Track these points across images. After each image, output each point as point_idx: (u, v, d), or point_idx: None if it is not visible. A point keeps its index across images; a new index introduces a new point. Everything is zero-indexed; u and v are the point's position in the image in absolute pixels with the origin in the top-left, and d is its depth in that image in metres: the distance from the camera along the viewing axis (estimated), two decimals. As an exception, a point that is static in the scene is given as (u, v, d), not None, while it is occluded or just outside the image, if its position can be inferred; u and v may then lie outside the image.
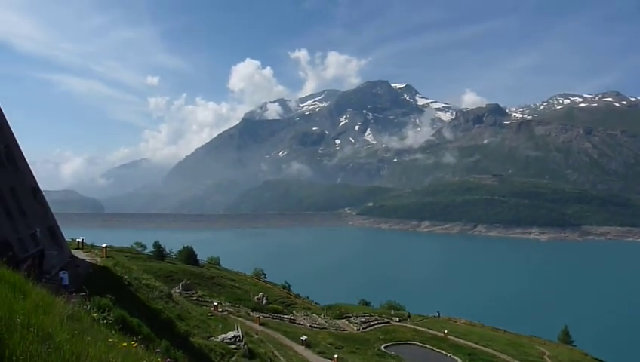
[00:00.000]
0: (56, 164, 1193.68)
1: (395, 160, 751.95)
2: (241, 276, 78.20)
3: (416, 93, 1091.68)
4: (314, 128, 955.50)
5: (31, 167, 40.44)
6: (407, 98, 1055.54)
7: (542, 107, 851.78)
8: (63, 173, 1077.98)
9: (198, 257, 76.02)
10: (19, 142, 39.20)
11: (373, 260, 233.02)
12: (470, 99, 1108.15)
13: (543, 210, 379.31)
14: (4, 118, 37.76)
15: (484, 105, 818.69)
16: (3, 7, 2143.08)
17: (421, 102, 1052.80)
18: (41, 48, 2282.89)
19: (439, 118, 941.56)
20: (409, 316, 73.06)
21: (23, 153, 39.60)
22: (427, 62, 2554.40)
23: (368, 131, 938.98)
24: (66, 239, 44.79)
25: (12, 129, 38.60)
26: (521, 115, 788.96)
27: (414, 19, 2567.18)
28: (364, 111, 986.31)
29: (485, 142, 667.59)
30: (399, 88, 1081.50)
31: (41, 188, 41.65)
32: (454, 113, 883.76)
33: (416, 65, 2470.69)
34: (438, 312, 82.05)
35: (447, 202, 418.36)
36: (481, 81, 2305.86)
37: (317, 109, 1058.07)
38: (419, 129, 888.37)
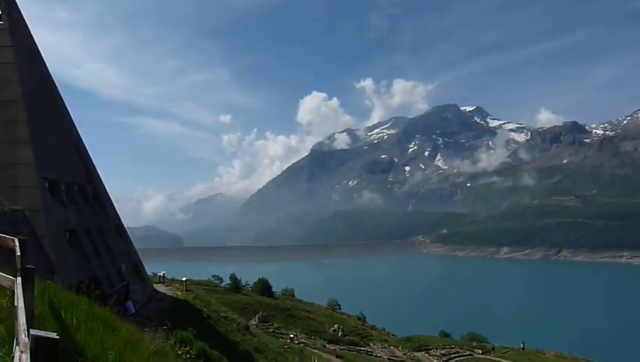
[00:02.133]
0: (139, 202, 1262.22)
1: (469, 184, 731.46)
2: (315, 307, 78.00)
3: (488, 115, 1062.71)
4: (382, 156, 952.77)
5: (115, 205, 43.12)
6: (478, 120, 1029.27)
7: (625, 122, 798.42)
8: (144, 210, 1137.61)
9: (273, 289, 76.80)
10: (105, 183, 42.06)
11: (451, 289, 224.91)
12: (545, 118, 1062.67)
13: (635, 232, 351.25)
14: (92, 162, 40.71)
15: (561, 124, 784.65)
16: (91, 58, 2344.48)
17: (493, 123, 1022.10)
18: (123, 94, 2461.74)
19: (513, 139, 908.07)
20: (493, 348, 69.49)
21: (109, 193, 42.37)
22: (497, 82, 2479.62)
23: (439, 156, 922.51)
24: (149, 273, 47.02)
25: (98, 171, 41.53)
26: (602, 132, 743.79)
27: (481, 40, 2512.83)
28: (434, 136, 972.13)
29: (565, 161, 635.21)
30: (469, 111, 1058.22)
31: (125, 225, 44.16)
32: (529, 133, 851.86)
33: (485, 86, 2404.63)
34: (523, 343, 77.42)
35: (526, 226, 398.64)
36: (555, 98, 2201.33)
37: (385, 137, 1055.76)
38: (492, 151, 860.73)
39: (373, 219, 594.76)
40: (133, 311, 25.65)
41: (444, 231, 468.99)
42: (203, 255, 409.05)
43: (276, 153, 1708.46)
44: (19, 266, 5.63)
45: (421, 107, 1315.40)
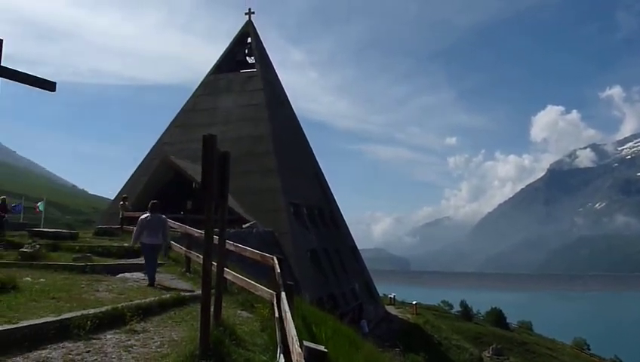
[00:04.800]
0: (368, 225, 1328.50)
1: None
2: (558, 345, 70.20)
3: None
4: (639, 174, 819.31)
5: (348, 227, 46.10)
6: None
7: None
8: (374, 233, 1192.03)
9: (508, 320, 71.85)
10: (340, 207, 45.40)
11: None
12: None
13: None
14: (329, 187, 44.44)
15: None
16: (324, 92, 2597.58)
17: None
18: (353, 123, 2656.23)
19: None
20: None
21: (343, 216, 45.62)
22: None
23: None
24: (379, 294, 48.76)
25: (334, 196, 45.09)
26: None
27: None
28: None
29: None
30: None
31: (357, 246, 46.86)
32: None
33: None
34: None
35: None
36: None
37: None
38: None
39: (628, 247, 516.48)
40: (367, 330, 26.77)
41: None
42: (430, 279, 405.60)
43: (507, 174, 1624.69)
44: (280, 282, 6.40)
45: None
